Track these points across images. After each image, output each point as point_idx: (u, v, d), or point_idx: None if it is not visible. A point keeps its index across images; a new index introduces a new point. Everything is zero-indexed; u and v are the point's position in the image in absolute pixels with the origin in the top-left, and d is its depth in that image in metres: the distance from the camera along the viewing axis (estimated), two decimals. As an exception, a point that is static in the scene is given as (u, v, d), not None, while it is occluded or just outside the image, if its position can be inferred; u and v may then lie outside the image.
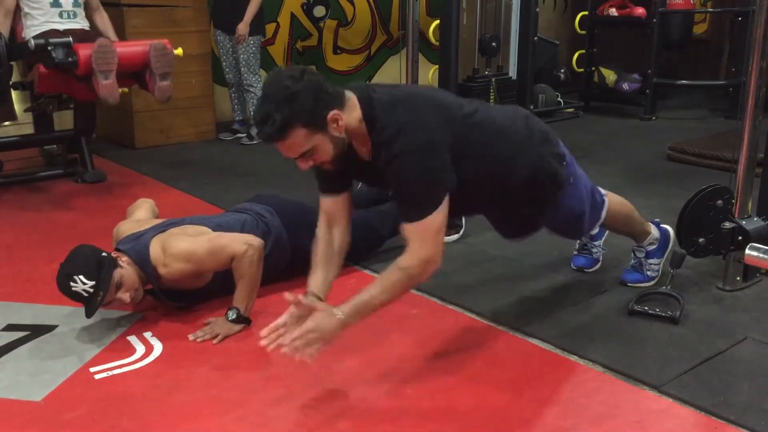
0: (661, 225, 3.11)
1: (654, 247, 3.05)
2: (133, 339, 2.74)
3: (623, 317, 2.84)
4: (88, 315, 2.67)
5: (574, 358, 2.58)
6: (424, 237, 2.14)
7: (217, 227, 2.93)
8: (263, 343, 2.18)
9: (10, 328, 2.84)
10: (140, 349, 2.67)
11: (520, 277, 3.16)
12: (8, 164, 4.83)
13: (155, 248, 2.77)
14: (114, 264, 2.68)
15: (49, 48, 4.04)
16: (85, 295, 2.61)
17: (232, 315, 2.74)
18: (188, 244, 2.76)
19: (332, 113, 2.07)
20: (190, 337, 2.72)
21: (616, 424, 2.20)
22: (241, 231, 2.95)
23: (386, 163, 2.15)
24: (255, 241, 2.78)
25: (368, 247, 3.38)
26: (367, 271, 3.29)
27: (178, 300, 2.89)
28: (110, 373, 2.51)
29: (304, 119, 2.02)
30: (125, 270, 2.71)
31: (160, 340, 2.73)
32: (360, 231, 3.32)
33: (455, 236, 3.69)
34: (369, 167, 2.27)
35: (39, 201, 4.47)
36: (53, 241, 3.75)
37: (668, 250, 3.08)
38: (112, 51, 4.06)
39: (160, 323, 2.85)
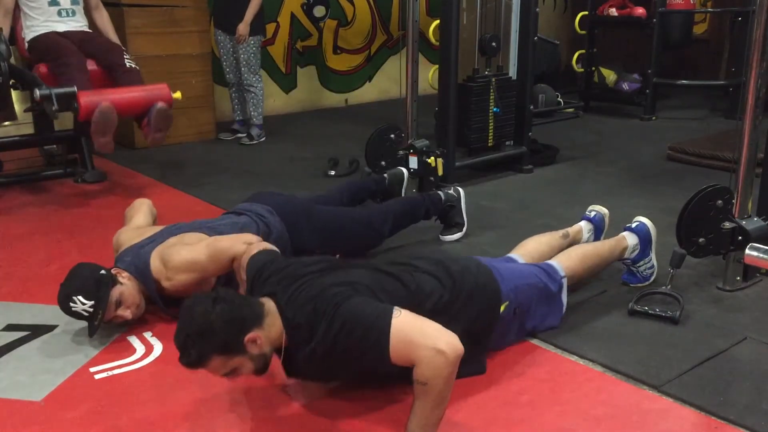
0: (635, 223, 3.07)
1: (636, 252, 3.05)
2: (133, 339, 2.74)
3: (623, 317, 2.84)
4: (91, 334, 2.67)
5: (574, 358, 2.58)
6: (409, 344, 1.96)
7: (213, 233, 2.90)
8: None
9: (10, 328, 2.84)
10: (140, 349, 2.67)
11: (520, 277, 3.16)
12: (8, 164, 4.83)
13: (155, 263, 2.76)
14: (113, 281, 2.68)
15: (52, 98, 4.14)
16: (85, 314, 2.62)
17: None
18: (188, 254, 2.74)
19: (249, 336, 2.05)
20: None
21: (616, 424, 2.20)
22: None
23: (324, 350, 2.06)
24: (253, 239, 2.77)
25: (368, 245, 3.38)
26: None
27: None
28: (110, 373, 2.51)
29: (219, 349, 2.03)
30: (125, 286, 2.71)
31: (160, 340, 2.73)
32: (360, 229, 3.33)
33: (458, 235, 3.69)
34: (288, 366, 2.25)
35: (39, 201, 4.47)
36: (53, 241, 3.76)
37: (653, 243, 3.07)
38: (113, 117, 4.11)
39: (160, 323, 2.85)
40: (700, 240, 2.98)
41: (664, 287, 2.97)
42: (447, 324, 2.20)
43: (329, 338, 2.05)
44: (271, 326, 2.12)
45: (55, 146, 5.19)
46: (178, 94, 4.49)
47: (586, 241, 3.14)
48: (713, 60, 7.60)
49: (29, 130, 5.12)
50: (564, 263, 2.78)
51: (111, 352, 2.65)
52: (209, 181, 4.87)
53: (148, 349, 2.67)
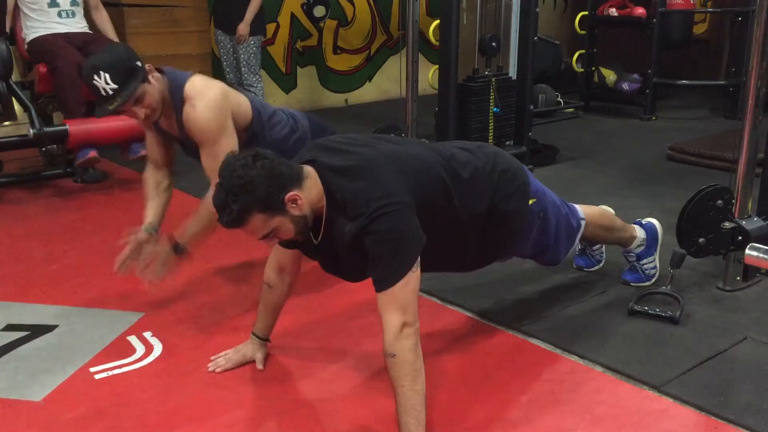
0: (645, 221, 3.10)
1: (642, 248, 3.05)
2: (133, 339, 2.74)
3: (623, 317, 2.84)
4: (98, 114, 2.62)
5: (574, 358, 2.58)
6: (392, 304, 2.02)
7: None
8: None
9: (10, 328, 2.84)
10: (140, 349, 2.67)
11: (520, 277, 3.16)
12: (8, 164, 4.83)
13: (195, 80, 2.69)
14: (144, 77, 2.62)
15: (45, 137, 4.40)
16: (103, 93, 2.55)
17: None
18: (221, 111, 2.67)
19: (289, 194, 2.03)
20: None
21: (616, 424, 2.20)
22: (271, 117, 2.95)
23: (352, 237, 2.06)
24: None
25: None
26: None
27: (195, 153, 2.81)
28: (110, 373, 2.51)
29: (260, 206, 2.01)
30: (152, 86, 2.64)
31: (160, 340, 2.73)
32: None
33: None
34: (323, 247, 2.21)
35: (39, 201, 4.48)
36: (53, 241, 3.76)
37: (659, 244, 3.08)
38: (96, 162, 4.47)
39: (160, 323, 2.85)
40: (700, 240, 2.98)
41: (664, 287, 2.97)
42: (486, 194, 2.36)
43: (362, 232, 2.04)
44: (311, 189, 2.09)
45: (55, 146, 5.19)
46: None
47: None
48: (713, 60, 7.59)
49: (29, 130, 5.12)
50: (585, 209, 2.85)
51: (111, 352, 2.65)
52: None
53: (148, 349, 2.67)
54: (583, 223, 2.80)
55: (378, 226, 2.03)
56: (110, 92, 2.55)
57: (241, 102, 2.87)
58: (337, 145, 2.23)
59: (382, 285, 2.04)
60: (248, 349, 2.55)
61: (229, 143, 2.68)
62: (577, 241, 2.84)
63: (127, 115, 2.69)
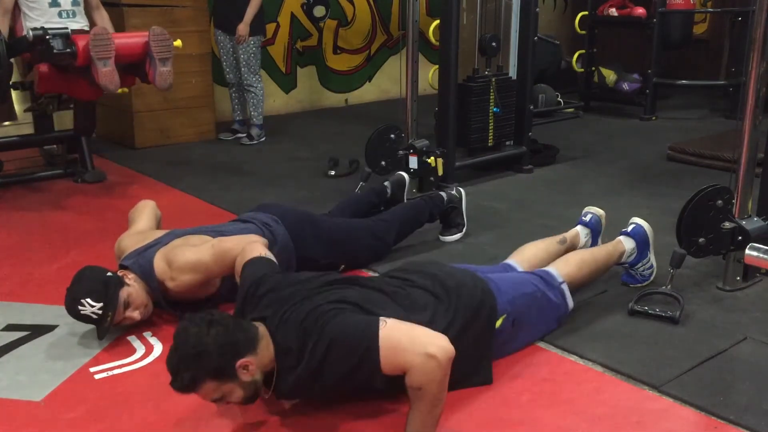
0: (631, 226, 3.05)
1: (634, 256, 3.03)
2: (133, 339, 2.74)
3: (623, 317, 2.84)
4: (100, 337, 2.66)
5: (574, 358, 2.58)
6: (399, 352, 1.96)
7: (217, 236, 2.88)
8: None
9: (10, 328, 2.84)
10: (140, 349, 2.67)
11: (520, 277, 3.16)
12: (8, 164, 4.83)
13: (159, 263, 2.75)
14: (120, 283, 2.67)
15: (47, 38, 4.06)
16: (95, 317, 2.60)
17: None
18: (193, 255, 2.73)
19: (241, 362, 2.04)
20: None
21: (616, 424, 2.20)
22: None
23: (311, 373, 2.07)
24: (258, 239, 2.75)
25: (376, 255, 3.37)
26: (371, 273, 3.27)
27: (185, 311, 2.85)
28: (110, 373, 2.51)
29: (211, 374, 2.02)
30: (132, 288, 2.70)
31: (160, 340, 2.73)
32: (366, 239, 3.32)
33: (458, 235, 3.69)
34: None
35: (39, 201, 4.47)
36: (53, 241, 3.76)
37: (651, 244, 3.06)
38: (108, 38, 4.08)
39: (160, 323, 2.85)
40: (700, 240, 2.98)
41: (664, 287, 2.97)
42: (451, 333, 2.20)
43: (317, 358, 2.04)
44: (264, 351, 2.12)
45: (55, 146, 5.19)
46: (178, 42, 4.40)
47: (584, 246, 3.13)
48: (713, 60, 7.60)
49: (29, 130, 5.12)
50: (562, 269, 2.76)
51: (111, 352, 2.65)
52: (209, 181, 4.87)
53: (148, 350, 2.67)
54: (564, 286, 2.72)
55: (323, 344, 2.02)
56: (99, 312, 2.60)
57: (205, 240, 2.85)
58: (289, 294, 2.22)
59: (372, 359, 1.99)
60: None
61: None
62: (570, 303, 2.75)
63: (125, 323, 2.73)
